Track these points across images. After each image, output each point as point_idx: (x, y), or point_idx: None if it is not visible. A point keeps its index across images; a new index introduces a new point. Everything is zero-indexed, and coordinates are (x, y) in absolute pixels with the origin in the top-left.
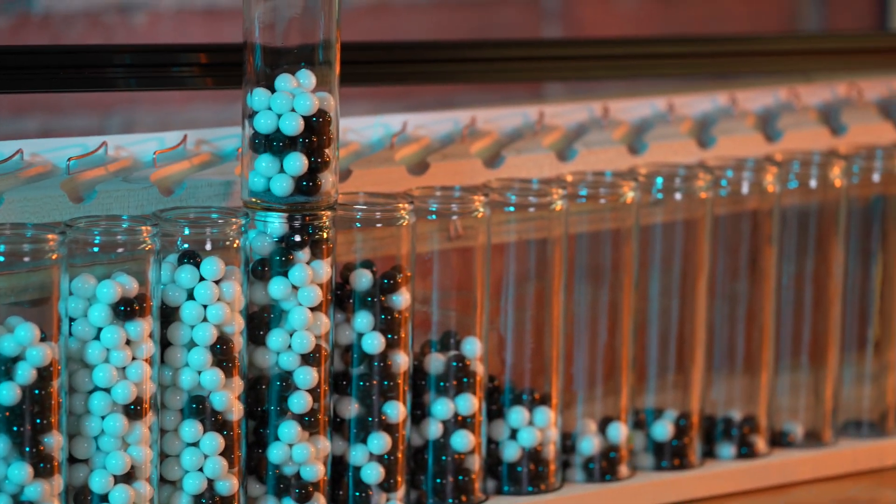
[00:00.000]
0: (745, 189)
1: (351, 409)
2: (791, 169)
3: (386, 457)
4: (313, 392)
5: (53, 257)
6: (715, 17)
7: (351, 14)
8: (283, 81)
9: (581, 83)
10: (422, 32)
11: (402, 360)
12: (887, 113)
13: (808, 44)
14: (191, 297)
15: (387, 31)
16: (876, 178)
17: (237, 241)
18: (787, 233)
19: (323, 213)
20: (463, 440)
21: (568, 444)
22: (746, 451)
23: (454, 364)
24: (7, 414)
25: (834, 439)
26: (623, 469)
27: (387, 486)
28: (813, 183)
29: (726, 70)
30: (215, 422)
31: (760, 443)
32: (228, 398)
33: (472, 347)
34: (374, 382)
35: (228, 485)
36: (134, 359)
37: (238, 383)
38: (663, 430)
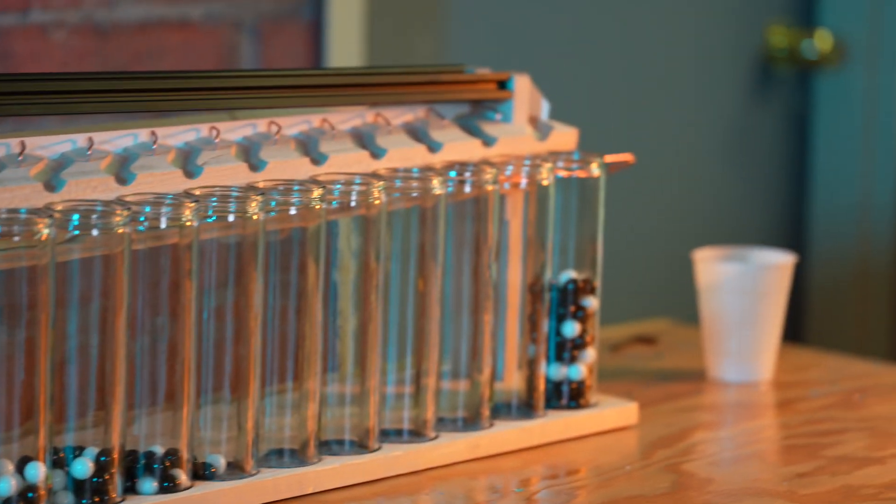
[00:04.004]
0: (163, 224)
1: None
2: (209, 204)
3: None
4: None
5: None
6: (153, 52)
7: None
8: None
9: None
10: None
11: None
12: (305, 149)
13: (234, 81)
14: None
15: None
16: (293, 211)
17: None
18: (208, 266)
19: None
20: None
21: None
22: (168, 484)
23: None
24: None
25: (256, 469)
26: None
27: None
28: (231, 217)
29: (153, 108)
30: None
31: (182, 476)
32: None
33: None
34: None
35: None
36: None
37: None
38: (83, 467)
